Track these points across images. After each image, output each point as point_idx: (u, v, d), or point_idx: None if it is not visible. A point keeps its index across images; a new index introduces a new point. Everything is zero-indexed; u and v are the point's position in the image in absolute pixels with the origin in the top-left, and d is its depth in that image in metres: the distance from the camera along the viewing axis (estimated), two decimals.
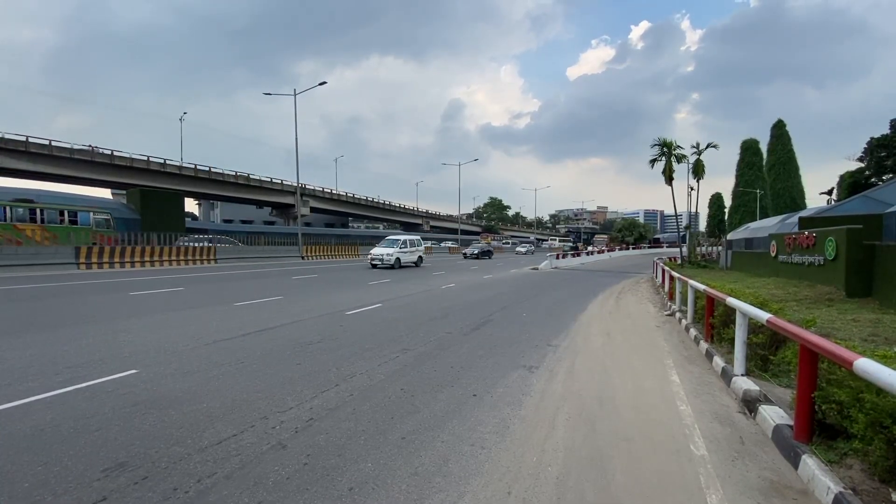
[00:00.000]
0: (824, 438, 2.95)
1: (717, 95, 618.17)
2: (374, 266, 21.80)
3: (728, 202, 44.64)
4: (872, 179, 35.42)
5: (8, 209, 21.75)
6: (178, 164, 42.78)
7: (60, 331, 6.45)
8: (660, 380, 4.92)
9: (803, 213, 20.62)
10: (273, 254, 31.02)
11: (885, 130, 36.26)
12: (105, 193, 50.76)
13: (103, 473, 2.66)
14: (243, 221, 63.31)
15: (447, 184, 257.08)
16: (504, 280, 17.77)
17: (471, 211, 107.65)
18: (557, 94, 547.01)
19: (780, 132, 41.57)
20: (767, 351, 4.72)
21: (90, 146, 36.46)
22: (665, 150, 27.36)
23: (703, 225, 57.07)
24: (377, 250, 22.79)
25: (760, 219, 33.24)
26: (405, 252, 23.42)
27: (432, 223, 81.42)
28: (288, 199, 52.43)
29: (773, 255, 16.32)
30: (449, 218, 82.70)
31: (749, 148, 42.49)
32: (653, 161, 28.11)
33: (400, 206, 74.06)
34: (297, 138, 30.95)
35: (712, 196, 46.68)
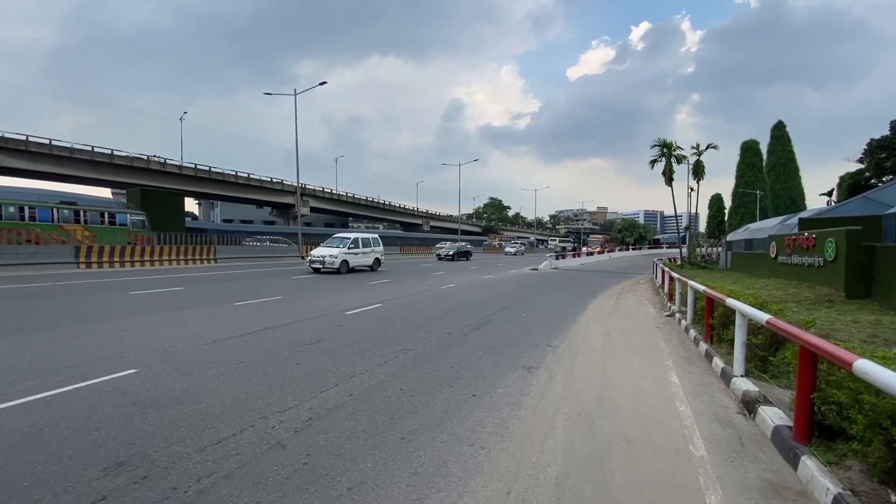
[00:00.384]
0: (823, 439, 2.96)
1: (717, 96, 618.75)
2: (316, 270, 18.00)
3: (728, 203, 44.46)
4: (872, 181, 35.44)
5: (55, 210, 23.34)
6: (178, 163, 42.79)
7: (59, 330, 6.45)
8: (659, 380, 4.92)
9: (803, 215, 20.64)
10: (273, 253, 31.05)
11: (885, 132, 36.27)
12: (105, 193, 50.77)
13: (103, 473, 2.66)
14: (243, 221, 63.26)
15: (447, 184, 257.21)
16: (504, 280, 17.77)
17: (471, 211, 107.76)
18: (557, 95, 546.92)
19: (780, 133, 41.65)
20: (767, 352, 4.72)
21: (91, 147, 36.48)
22: (665, 150, 27.41)
23: (702, 226, 56.98)
24: (319, 251, 18.78)
25: (760, 220, 33.27)
26: (355, 253, 19.36)
27: (432, 223, 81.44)
28: (288, 199, 52.42)
29: (772, 256, 16.33)
30: (449, 218, 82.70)
31: (749, 149, 42.53)
32: (653, 162, 28.16)
33: (400, 207, 74.08)
34: (297, 138, 31.01)
35: (712, 197, 46.43)
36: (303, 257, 30.50)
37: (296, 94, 30.52)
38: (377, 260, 20.94)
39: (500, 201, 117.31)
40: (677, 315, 8.96)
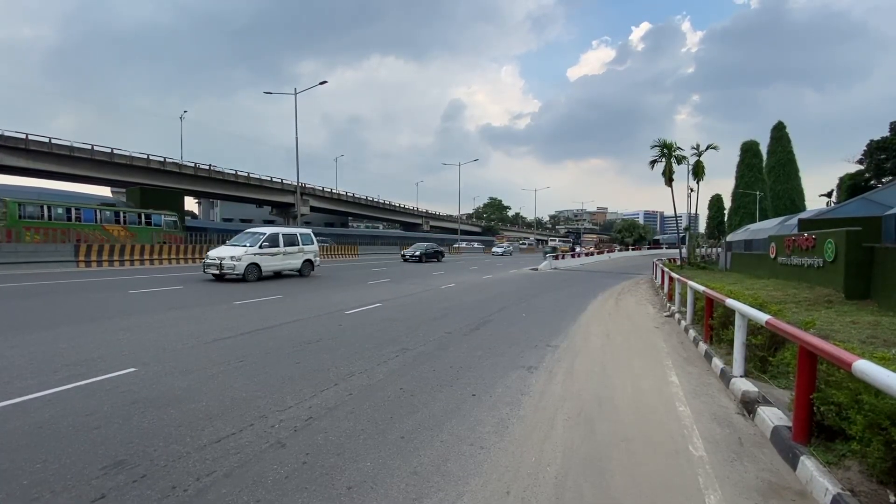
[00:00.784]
0: (823, 440, 2.96)
1: (717, 97, 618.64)
2: (216, 277, 13.60)
3: (728, 204, 44.68)
4: (872, 182, 35.40)
5: (98, 212, 25.34)
6: (178, 162, 42.72)
7: (59, 329, 6.44)
8: (659, 381, 4.92)
9: (803, 215, 20.62)
10: None
11: (885, 133, 36.22)
12: (105, 192, 50.72)
13: (102, 471, 2.66)
14: (243, 220, 63.19)
15: (447, 184, 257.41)
16: (504, 280, 17.78)
17: (471, 211, 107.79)
18: (558, 95, 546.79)
19: (779, 134, 41.64)
20: (766, 352, 4.72)
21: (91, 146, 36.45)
22: (665, 151, 27.37)
23: (702, 226, 57.13)
24: (218, 251, 14.26)
25: (760, 220, 33.25)
26: (271, 254, 14.69)
27: (432, 223, 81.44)
28: (288, 199, 52.38)
29: (772, 256, 16.34)
30: (449, 218, 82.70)
31: (749, 150, 42.54)
32: (653, 162, 28.12)
33: (400, 206, 74.07)
34: (297, 137, 31.00)
35: (712, 197, 46.71)
36: None
37: (296, 94, 30.56)
38: (308, 262, 16.55)
39: (500, 201, 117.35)
40: (677, 315, 8.97)
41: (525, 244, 77.41)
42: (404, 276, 17.91)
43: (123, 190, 41.70)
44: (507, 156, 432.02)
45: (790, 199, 39.29)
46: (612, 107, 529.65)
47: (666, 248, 60.82)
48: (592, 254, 38.59)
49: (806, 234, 13.47)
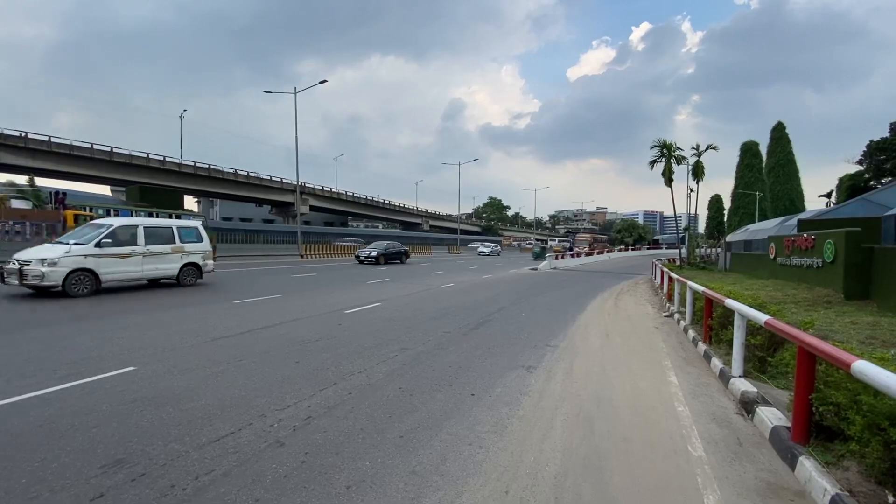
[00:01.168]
0: (821, 440, 2.96)
1: (717, 97, 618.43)
2: (24, 285, 9.21)
3: (727, 204, 44.73)
4: (871, 182, 35.45)
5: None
6: (177, 161, 42.70)
7: (57, 328, 6.44)
8: (658, 381, 4.92)
9: (802, 216, 20.63)
10: (272, 252, 31.02)
11: (885, 133, 36.26)
12: (104, 190, 50.69)
13: (101, 470, 2.66)
14: (242, 219, 63.16)
15: (447, 183, 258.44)
16: (503, 280, 17.78)
17: (470, 211, 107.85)
18: (558, 95, 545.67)
19: (779, 134, 41.64)
20: (765, 353, 4.72)
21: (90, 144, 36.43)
22: (665, 151, 27.36)
23: (702, 227, 57.15)
24: (25, 253, 9.80)
25: (760, 221, 33.26)
26: (119, 256, 10.24)
27: (432, 223, 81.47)
28: (287, 198, 52.38)
29: (771, 257, 16.34)
30: (448, 217, 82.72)
31: (749, 150, 42.58)
32: (652, 162, 28.10)
33: (400, 206, 74.08)
34: (297, 137, 30.98)
35: (712, 198, 46.75)
36: (302, 256, 30.50)
37: (296, 93, 30.50)
38: (191, 267, 11.83)
39: (500, 201, 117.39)
40: (676, 315, 8.97)
41: (529, 244, 77.46)
42: (403, 276, 17.91)
43: (123, 189, 41.70)
44: (506, 156, 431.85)
45: (790, 199, 39.30)
46: (612, 107, 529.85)
47: (665, 248, 60.80)
48: (580, 255, 35.94)
49: (805, 235, 13.47)
